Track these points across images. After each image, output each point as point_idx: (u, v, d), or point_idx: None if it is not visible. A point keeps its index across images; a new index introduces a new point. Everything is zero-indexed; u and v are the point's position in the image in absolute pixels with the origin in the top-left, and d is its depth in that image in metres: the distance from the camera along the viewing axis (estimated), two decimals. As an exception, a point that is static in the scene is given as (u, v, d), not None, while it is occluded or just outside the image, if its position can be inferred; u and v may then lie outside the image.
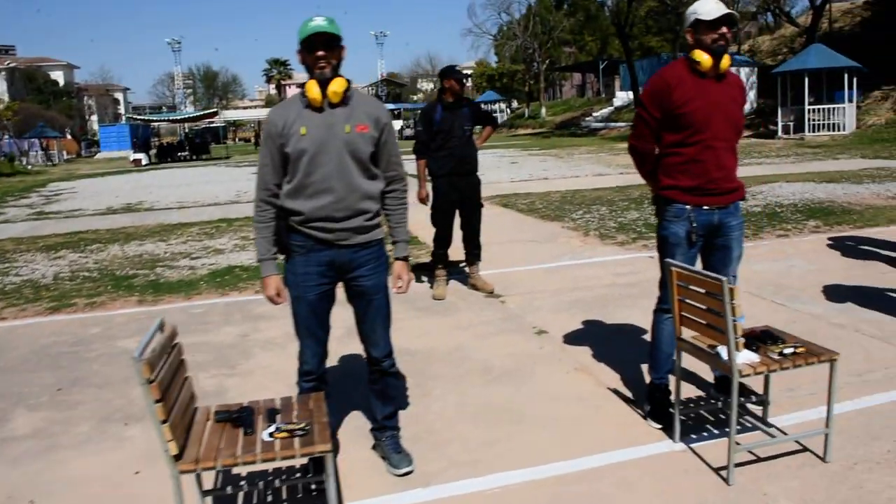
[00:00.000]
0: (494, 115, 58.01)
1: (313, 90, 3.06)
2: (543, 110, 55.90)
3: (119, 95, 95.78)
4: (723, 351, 3.18)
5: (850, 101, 25.37)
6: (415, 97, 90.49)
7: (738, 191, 3.70)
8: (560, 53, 63.99)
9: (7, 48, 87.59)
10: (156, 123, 50.22)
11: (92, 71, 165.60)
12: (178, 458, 2.59)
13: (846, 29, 33.96)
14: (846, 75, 24.94)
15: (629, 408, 4.02)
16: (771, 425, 3.65)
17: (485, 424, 3.91)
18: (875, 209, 10.25)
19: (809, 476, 3.20)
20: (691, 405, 3.90)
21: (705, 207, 3.59)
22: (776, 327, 3.68)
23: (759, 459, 3.35)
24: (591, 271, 7.33)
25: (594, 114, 47.13)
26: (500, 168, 21.17)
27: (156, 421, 2.52)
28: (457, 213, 6.51)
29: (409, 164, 6.68)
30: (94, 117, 79.72)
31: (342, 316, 3.43)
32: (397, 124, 54.85)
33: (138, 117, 53.28)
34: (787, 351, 3.24)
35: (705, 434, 3.64)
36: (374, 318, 3.34)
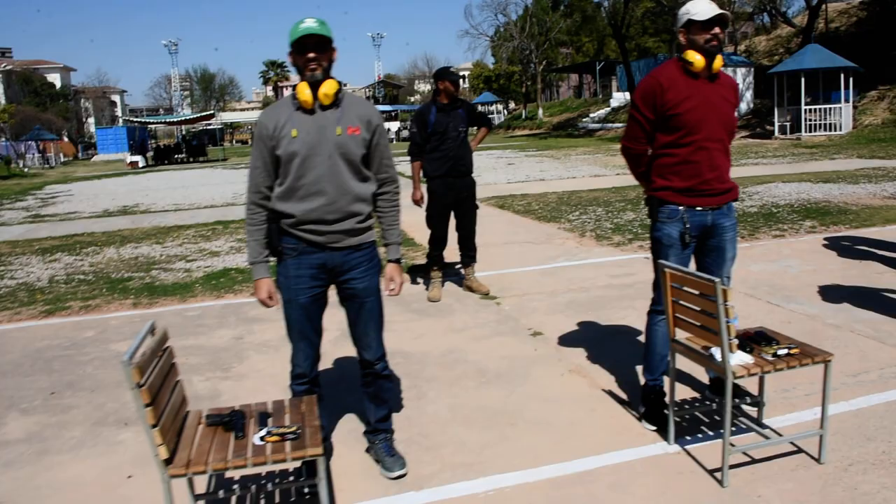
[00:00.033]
0: (491, 116, 58.29)
1: (304, 92, 3.05)
2: (540, 111, 55.92)
3: (116, 98, 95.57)
4: (716, 352, 3.17)
5: (847, 101, 25.41)
6: (412, 99, 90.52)
7: (732, 192, 3.68)
8: (557, 54, 64.05)
9: (3, 51, 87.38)
10: (153, 126, 50.29)
11: (89, 73, 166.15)
12: (168, 462, 2.58)
13: (842, 29, 33.99)
14: (842, 75, 24.99)
15: (624, 410, 4.01)
16: (766, 426, 3.64)
17: (479, 427, 3.90)
18: (871, 209, 10.25)
19: (804, 478, 3.19)
20: (686, 407, 3.89)
21: (699, 208, 3.58)
22: (772, 328, 3.67)
23: (753, 461, 3.34)
24: (587, 272, 7.32)
25: (591, 115, 47.14)
26: (496, 169, 21.16)
27: (146, 425, 2.50)
28: (452, 214, 6.50)
29: (405, 166, 6.73)
30: (91, 120, 79.56)
31: (337, 318, 3.42)
32: (394, 126, 54.86)
33: (135, 120, 53.21)
34: (781, 352, 3.23)
35: (700, 436, 3.63)
36: (366, 320, 3.33)
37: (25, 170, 37.73)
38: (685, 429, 3.69)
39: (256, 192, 3.18)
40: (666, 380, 3.73)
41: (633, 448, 3.55)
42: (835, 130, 25.35)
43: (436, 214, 6.46)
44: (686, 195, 3.57)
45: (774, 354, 3.22)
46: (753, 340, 3.38)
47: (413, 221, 8.95)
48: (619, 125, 37.93)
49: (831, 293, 6.03)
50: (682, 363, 3.93)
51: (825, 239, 8.34)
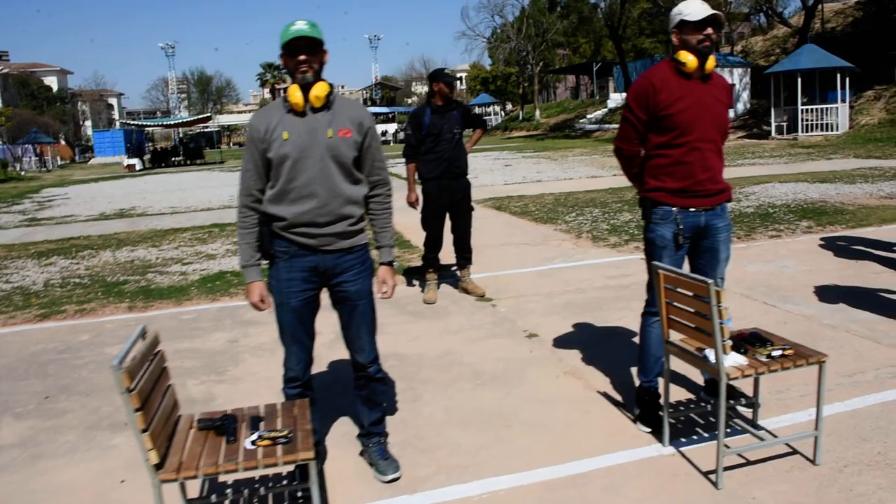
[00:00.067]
0: (488, 117, 58.29)
1: (295, 95, 3.04)
2: (537, 112, 55.97)
3: (113, 100, 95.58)
4: (710, 354, 3.17)
5: (843, 101, 25.46)
6: (409, 101, 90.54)
7: (725, 192, 3.68)
8: (554, 56, 64.05)
9: (0, 54, 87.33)
10: (150, 128, 50.20)
11: (86, 76, 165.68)
12: (159, 467, 2.57)
13: (838, 29, 34.05)
14: (839, 75, 25.03)
15: (619, 411, 4.00)
16: (761, 428, 3.63)
17: (474, 429, 3.88)
18: (868, 209, 10.25)
19: (799, 479, 3.18)
20: (681, 408, 3.88)
21: (692, 209, 3.57)
22: (768, 328, 3.67)
23: (748, 462, 3.33)
24: (583, 274, 7.32)
25: (588, 116, 47.17)
26: (493, 171, 21.16)
27: (136, 429, 2.49)
28: (447, 216, 6.49)
29: (402, 168, 6.72)
30: (88, 123, 79.53)
31: (331, 321, 3.40)
32: (392, 128, 54.81)
33: (132, 122, 53.12)
34: (776, 353, 3.22)
35: (695, 437, 3.62)
36: (359, 323, 3.31)
37: (22, 173, 37.69)
38: (680, 430, 3.68)
39: (248, 195, 3.17)
40: (661, 381, 3.72)
41: (627, 450, 3.54)
42: (831, 130, 25.39)
43: (431, 216, 6.45)
44: (679, 196, 3.56)
45: (768, 356, 3.21)
46: (748, 341, 3.37)
47: (409, 223, 8.93)
48: (616, 126, 37.85)
49: (827, 293, 6.03)
50: (677, 364, 3.92)
51: (821, 239, 8.34)
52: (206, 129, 54.73)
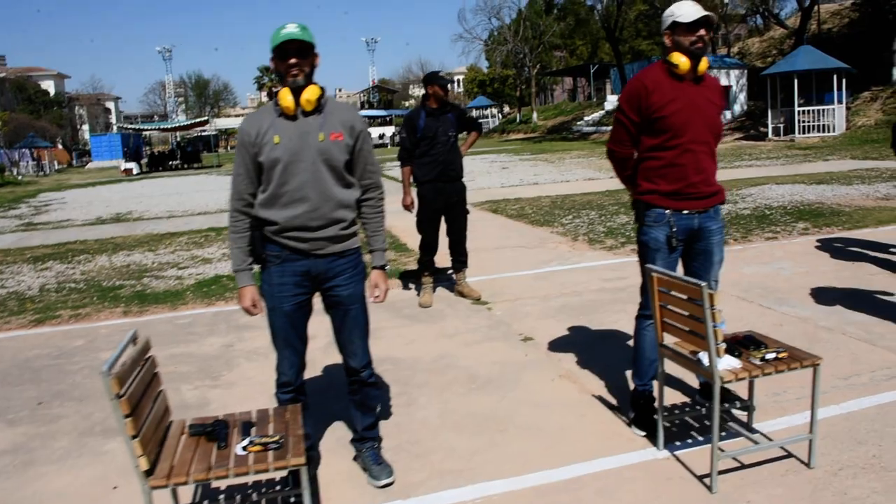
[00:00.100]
0: (486, 120, 58.23)
1: (286, 98, 3.02)
2: (535, 115, 55.94)
3: (110, 104, 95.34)
4: (704, 357, 3.15)
5: (840, 102, 25.48)
6: (406, 103, 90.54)
7: (718, 195, 3.66)
8: (551, 58, 64.07)
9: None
10: (147, 132, 50.17)
11: (83, 80, 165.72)
12: (149, 473, 2.55)
13: (835, 30, 34.09)
14: (835, 77, 25.05)
15: (613, 415, 3.99)
16: (756, 431, 3.62)
17: (468, 433, 3.87)
18: (864, 210, 10.26)
19: (793, 483, 3.17)
20: (676, 412, 3.88)
21: (685, 212, 3.56)
22: (764, 330, 3.67)
23: (743, 466, 3.32)
24: (580, 277, 7.30)
25: (585, 118, 47.16)
26: (490, 174, 21.15)
27: (126, 436, 2.48)
28: (442, 219, 6.48)
29: (398, 171, 6.71)
30: (86, 127, 79.44)
31: (326, 325, 3.39)
32: (389, 130, 54.80)
33: (129, 126, 53.22)
34: (770, 356, 3.21)
35: (689, 441, 3.60)
36: (351, 328, 3.30)
37: (19, 178, 37.65)
38: (675, 434, 3.67)
39: (239, 200, 3.16)
40: (655, 384, 3.71)
41: (622, 454, 3.53)
42: (828, 132, 25.41)
43: (426, 220, 6.43)
44: (672, 199, 3.54)
45: (762, 358, 3.20)
46: (742, 344, 3.36)
47: (404, 227, 8.94)
48: (614, 128, 37.86)
49: (824, 295, 6.02)
50: (672, 367, 3.91)
51: (818, 241, 8.34)
52: (203, 133, 54.67)
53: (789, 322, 5.39)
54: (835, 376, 4.25)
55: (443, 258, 6.77)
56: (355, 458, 3.57)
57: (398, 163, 6.51)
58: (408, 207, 6.51)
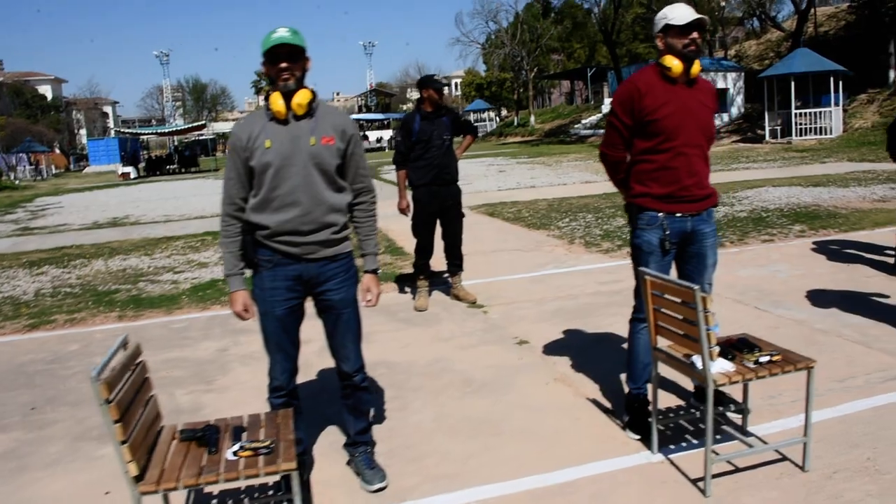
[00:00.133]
0: (483, 123, 58.22)
1: (277, 102, 3.01)
2: (532, 118, 56.01)
3: (108, 109, 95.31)
4: (697, 360, 3.14)
5: (837, 104, 25.53)
6: (404, 107, 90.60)
7: (711, 197, 3.65)
8: (548, 61, 64.18)
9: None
10: (144, 137, 50.20)
11: (80, 85, 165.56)
12: (139, 479, 2.53)
13: (831, 33, 34.15)
14: (832, 79, 25.10)
15: (608, 418, 3.98)
16: (750, 434, 3.61)
17: (463, 437, 3.86)
18: (861, 213, 10.26)
19: (788, 486, 3.16)
20: (670, 415, 3.86)
21: (678, 215, 3.55)
22: (759, 333, 3.66)
23: (737, 470, 3.31)
24: (575, 280, 7.30)
25: (583, 121, 47.25)
26: (487, 177, 21.16)
27: (115, 441, 2.46)
28: (438, 223, 6.46)
29: (395, 174, 6.71)
30: (83, 131, 79.35)
31: (320, 329, 3.37)
32: (387, 134, 54.82)
33: (127, 131, 53.16)
34: (763, 359, 3.20)
35: (684, 444, 3.59)
36: (343, 332, 3.29)
37: (16, 182, 37.55)
38: (669, 437, 3.66)
39: (231, 204, 3.15)
40: (650, 388, 3.70)
41: (616, 457, 3.52)
42: (825, 134, 25.44)
43: (421, 223, 6.42)
44: (665, 202, 3.54)
45: (756, 362, 3.19)
46: (736, 347, 3.35)
47: (400, 230, 8.93)
48: (611, 131, 37.89)
49: (819, 298, 6.01)
50: (667, 371, 3.89)
51: (814, 243, 8.34)
52: (200, 137, 54.75)
53: (785, 325, 5.39)
54: (830, 379, 4.24)
55: (438, 262, 6.76)
56: (348, 463, 3.55)
57: (394, 166, 6.51)
58: (403, 211, 6.50)
